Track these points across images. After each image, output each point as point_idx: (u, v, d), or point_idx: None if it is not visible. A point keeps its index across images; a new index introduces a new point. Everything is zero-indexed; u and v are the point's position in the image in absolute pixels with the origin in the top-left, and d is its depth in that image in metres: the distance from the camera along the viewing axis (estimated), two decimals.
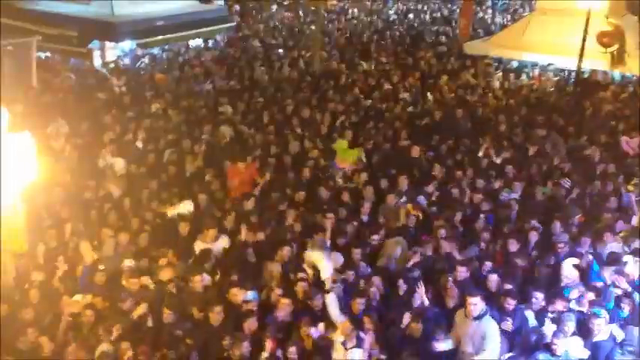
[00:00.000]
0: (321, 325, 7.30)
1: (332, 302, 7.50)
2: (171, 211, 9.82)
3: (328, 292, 7.60)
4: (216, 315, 7.30)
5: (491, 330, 7.19)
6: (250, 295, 7.85)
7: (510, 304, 7.54)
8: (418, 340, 7.27)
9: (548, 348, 7.11)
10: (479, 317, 7.19)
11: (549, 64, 18.55)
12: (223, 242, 9.06)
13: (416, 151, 11.93)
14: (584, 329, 7.40)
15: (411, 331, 7.32)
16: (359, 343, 7.06)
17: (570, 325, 7.33)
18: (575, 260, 8.40)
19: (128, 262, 8.64)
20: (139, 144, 12.30)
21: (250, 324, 7.24)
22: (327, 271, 7.98)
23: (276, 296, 7.74)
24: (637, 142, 12.33)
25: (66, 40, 17.77)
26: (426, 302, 7.83)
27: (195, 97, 15.29)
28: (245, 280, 8.11)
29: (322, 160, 11.67)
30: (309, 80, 17.00)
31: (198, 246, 8.93)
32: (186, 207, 9.86)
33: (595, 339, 7.30)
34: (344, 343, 7.08)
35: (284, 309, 7.50)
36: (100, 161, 11.59)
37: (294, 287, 7.92)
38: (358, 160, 11.77)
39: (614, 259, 8.62)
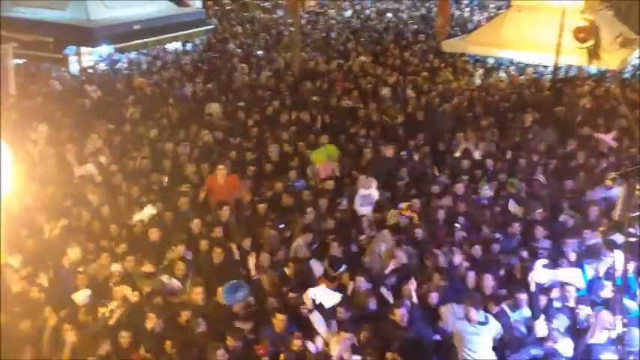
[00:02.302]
0: (319, 341, 7.11)
1: (317, 321, 7.35)
2: (136, 217, 9.85)
3: (310, 312, 7.44)
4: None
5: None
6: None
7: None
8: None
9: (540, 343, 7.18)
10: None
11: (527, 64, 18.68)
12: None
13: (390, 151, 11.90)
14: (576, 328, 7.44)
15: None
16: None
17: (562, 320, 7.41)
18: (545, 261, 8.33)
19: (116, 267, 8.60)
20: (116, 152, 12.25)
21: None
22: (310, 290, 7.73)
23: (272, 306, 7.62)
24: (611, 136, 12.48)
25: (42, 46, 17.59)
26: (415, 300, 7.77)
27: (175, 102, 15.19)
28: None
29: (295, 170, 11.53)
30: (289, 82, 16.95)
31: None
32: (148, 212, 9.85)
33: (591, 340, 7.26)
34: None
35: (279, 324, 7.27)
36: (75, 170, 11.47)
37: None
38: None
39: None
